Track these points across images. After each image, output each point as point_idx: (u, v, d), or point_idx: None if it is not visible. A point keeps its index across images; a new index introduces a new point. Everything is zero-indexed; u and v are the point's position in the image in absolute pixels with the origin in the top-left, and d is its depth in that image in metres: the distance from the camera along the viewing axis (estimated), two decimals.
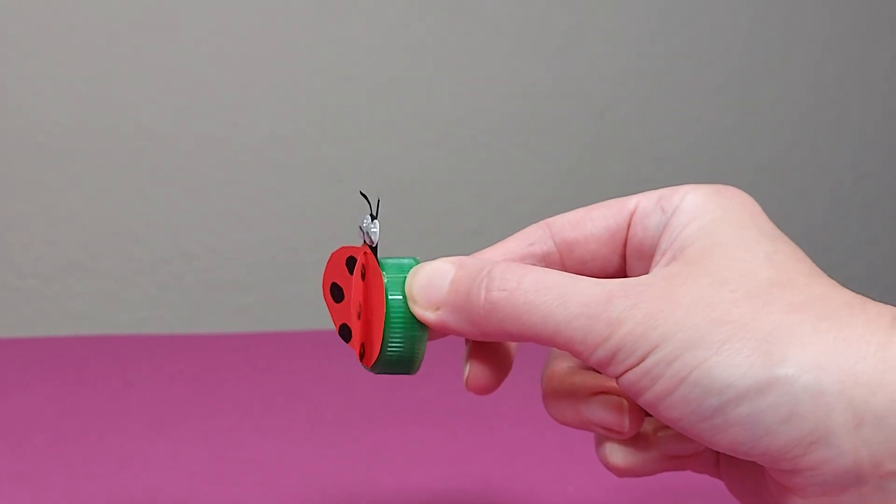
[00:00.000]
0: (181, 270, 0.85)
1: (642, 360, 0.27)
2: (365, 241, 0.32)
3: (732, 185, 0.84)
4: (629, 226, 0.33)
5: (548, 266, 0.33)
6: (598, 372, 0.32)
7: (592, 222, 0.33)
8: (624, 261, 0.34)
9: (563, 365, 0.33)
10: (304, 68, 0.86)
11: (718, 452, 0.32)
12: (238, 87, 0.85)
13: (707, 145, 0.97)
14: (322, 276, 0.33)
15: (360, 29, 0.86)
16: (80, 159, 0.83)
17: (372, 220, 0.32)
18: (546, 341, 0.29)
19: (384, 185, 0.89)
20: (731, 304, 0.27)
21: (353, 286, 0.32)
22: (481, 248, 0.34)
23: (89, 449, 0.49)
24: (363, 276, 0.32)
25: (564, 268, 0.33)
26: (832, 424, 0.26)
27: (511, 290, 0.29)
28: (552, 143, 0.93)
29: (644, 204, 0.32)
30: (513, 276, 0.29)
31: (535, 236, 0.33)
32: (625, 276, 0.34)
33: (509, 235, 0.35)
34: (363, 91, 0.87)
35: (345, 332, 0.33)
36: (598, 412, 0.31)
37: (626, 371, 0.28)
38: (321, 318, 0.88)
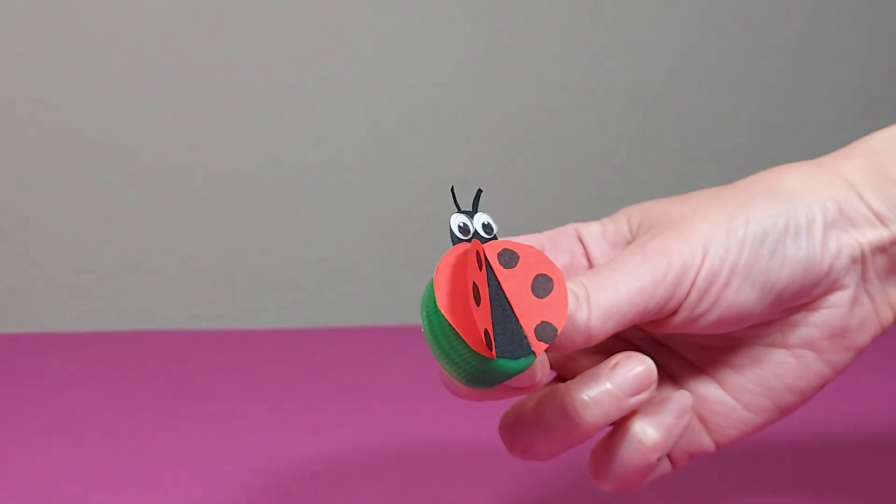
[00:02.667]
0: (232, 268, 0.86)
1: (705, 252, 0.32)
2: (484, 235, 0.31)
3: None
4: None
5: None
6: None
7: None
8: None
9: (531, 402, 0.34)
10: (351, 69, 0.86)
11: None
12: (288, 89, 0.86)
13: (760, 140, 0.96)
14: (439, 298, 0.30)
15: (405, 28, 0.86)
16: (135, 159, 0.84)
17: (473, 213, 0.32)
18: (633, 312, 0.32)
19: (430, 185, 0.89)
20: (717, 196, 0.34)
21: (484, 283, 0.30)
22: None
23: (143, 443, 0.50)
24: (510, 263, 0.31)
25: None
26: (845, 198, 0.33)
27: (584, 284, 0.32)
28: (602, 140, 0.92)
29: (545, 240, 0.37)
30: (577, 279, 0.33)
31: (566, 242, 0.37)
32: None
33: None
34: (410, 90, 0.88)
35: (487, 340, 0.29)
36: (630, 366, 0.33)
37: (699, 271, 0.32)
38: (371, 315, 0.88)
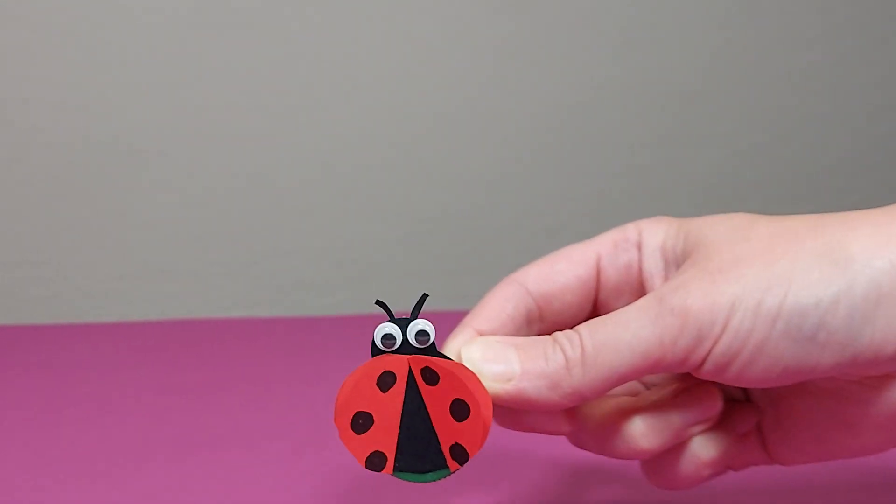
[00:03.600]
0: (273, 268, 0.87)
1: (726, 324, 0.28)
2: (415, 346, 0.31)
3: (824, 177, 0.89)
4: (598, 272, 0.35)
5: (529, 322, 0.35)
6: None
7: (562, 275, 0.35)
8: (594, 308, 0.35)
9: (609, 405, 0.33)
10: (378, 69, 0.86)
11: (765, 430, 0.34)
12: (326, 88, 0.86)
13: (795, 135, 0.94)
14: (337, 409, 0.31)
15: (426, 25, 0.86)
16: (173, 161, 0.84)
17: (412, 319, 0.32)
18: (634, 373, 0.30)
19: (456, 184, 0.88)
20: (767, 249, 0.29)
21: (390, 404, 0.31)
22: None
23: (190, 420, 0.51)
24: (432, 381, 0.31)
25: (544, 321, 0.35)
26: None
27: (580, 345, 0.30)
28: (627, 137, 0.91)
29: (604, 250, 0.34)
30: (572, 334, 0.31)
31: (515, 297, 0.34)
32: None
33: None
34: (433, 89, 0.87)
35: (376, 461, 0.32)
36: (692, 406, 0.32)
37: (716, 343, 0.29)
38: (405, 309, 0.88)
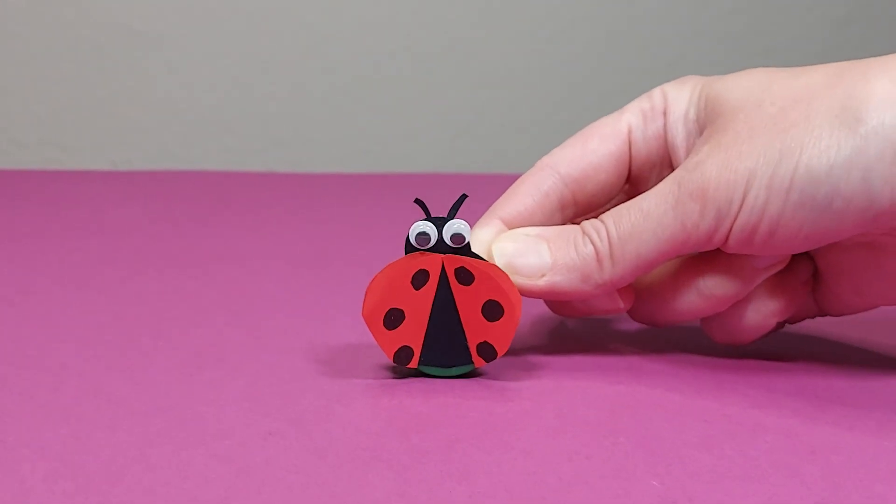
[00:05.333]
0: (270, 160, 0.87)
1: (743, 200, 0.29)
2: (450, 245, 0.32)
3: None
4: (630, 144, 0.34)
5: (563, 207, 0.35)
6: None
7: (594, 154, 0.34)
8: (627, 184, 0.36)
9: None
10: None
11: (814, 277, 0.34)
12: None
13: (817, 34, 0.94)
14: (370, 306, 0.33)
15: None
16: (174, 45, 0.84)
17: (448, 219, 0.32)
18: (661, 258, 0.31)
19: (491, 78, 0.89)
20: (781, 114, 0.29)
21: (421, 301, 0.33)
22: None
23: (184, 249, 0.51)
24: (466, 281, 0.32)
25: (577, 205, 0.35)
26: None
27: (608, 236, 0.31)
28: (651, 33, 0.92)
29: (634, 121, 0.34)
30: (598, 224, 0.32)
31: (546, 183, 0.34)
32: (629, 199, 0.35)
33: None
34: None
35: (404, 356, 0.33)
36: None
37: (735, 220, 0.29)
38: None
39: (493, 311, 0.32)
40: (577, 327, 0.41)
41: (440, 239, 0.32)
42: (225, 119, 0.89)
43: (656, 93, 0.34)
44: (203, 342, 0.37)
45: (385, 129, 0.92)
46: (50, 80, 0.86)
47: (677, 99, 0.33)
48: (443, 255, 0.32)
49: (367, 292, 0.33)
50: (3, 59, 0.85)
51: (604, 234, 0.31)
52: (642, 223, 0.31)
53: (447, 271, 0.32)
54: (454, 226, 0.32)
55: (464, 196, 0.33)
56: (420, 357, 0.33)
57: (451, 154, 0.92)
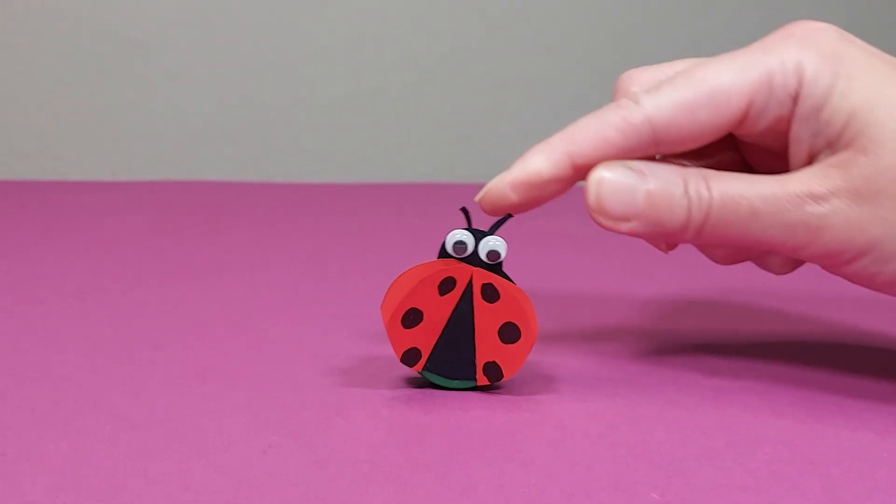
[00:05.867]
0: (270, 171, 0.87)
1: (852, 261, 0.29)
2: (484, 260, 0.32)
3: None
4: (744, 118, 0.31)
5: (641, 153, 0.31)
6: None
7: (703, 125, 0.30)
8: (737, 153, 0.34)
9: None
10: None
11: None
12: None
13: None
14: (392, 303, 0.32)
15: None
16: (173, 54, 0.84)
17: (487, 234, 0.32)
18: (749, 247, 0.31)
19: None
20: None
21: (442, 307, 0.32)
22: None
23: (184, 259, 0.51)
24: (490, 299, 0.32)
25: (660, 149, 0.32)
26: None
27: (706, 210, 0.30)
28: (650, 39, 0.92)
29: (758, 96, 0.30)
30: (704, 193, 0.30)
31: (635, 135, 0.31)
32: (739, 165, 0.34)
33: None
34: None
35: (411, 357, 0.33)
36: None
37: (840, 266, 0.30)
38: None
39: (510, 333, 0.32)
40: (577, 338, 0.41)
41: (475, 251, 0.32)
42: (224, 129, 0.89)
43: (791, 63, 0.30)
44: (203, 354, 0.37)
45: (384, 138, 0.92)
46: (49, 90, 0.86)
47: (814, 85, 0.30)
48: (474, 268, 0.32)
49: (391, 286, 0.33)
50: (2, 70, 0.85)
51: (704, 203, 0.30)
52: (747, 218, 0.30)
53: (474, 285, 0.32)
54: (492, 242, 0.32)
55: (509, 216, 0.33)
56: (426, 362, 0.33)
57: (449, 164, 0.92)
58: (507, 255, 0.32)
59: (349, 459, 0.28)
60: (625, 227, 0.31)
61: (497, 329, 0.32)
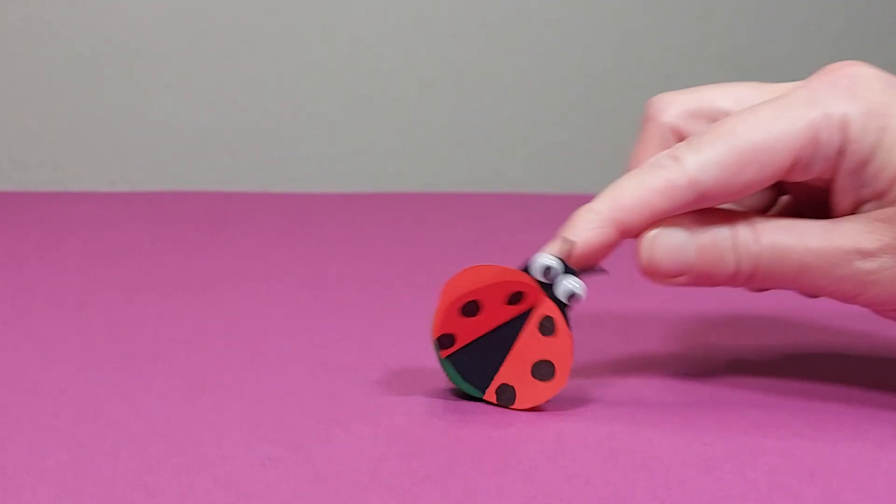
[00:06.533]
0: (268, 180, 0.87)
1: None
2: (558, 298, 0.32)
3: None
4: (789, 174, 0.31)
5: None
6: None
7: (743, 183, 0.30)
8: (777, 189, 0.36)
9: None
10: None
11: None
12: None
13: (812, 49, 0.95)
14: (460, 287, 0.32)
15: None
16: (170, 63, 0.84)
17: (577, 274, 0.32)
18: (797, 291, 0.32)
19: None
20: None
21: (497, 315, 0.32)
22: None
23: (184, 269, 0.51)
24: (545, 332, 0.32)
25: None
26: None
27: (755, 263, 0.31)
28: (648, 48, 0.92)
29: (803, 152, 0.30)
30: (754, 246, 0.31)
31: (678, 197, 0.31)
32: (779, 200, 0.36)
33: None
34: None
35: (446, 341, 0.33)
36: None
37: (889, 313, 0.31)
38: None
39: (544, 370, 0.32)
40: (575, 348, 0.41)
41: (555, 283, 0.32)
42: (223, 139, 0.89)
43: (835, 118, 0.30)
44: (202, 366, 0.37)
45: (383, 148, 0.92)
46: (48, 100, 0.86)
47: (860, 140, 0.30)
48: (546, 296, 0.32)
49: (468, 271, 0.32)
50: (1, 79, 0.85)
51: (754, 256, 0.31)
52: (796, 270, 0.30)
53: (536, 311, 0.32)
54: (575, 283, 0.32)
55: (603, 271, 0.33)
56: (454, 352, 0.33)
57: (449, 173, 0.93)
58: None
59: (349, 472, 0.28)
60: (676, 281, 0.31)
61: (533, 361, 0.32)
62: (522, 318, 0.32)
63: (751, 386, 0.36)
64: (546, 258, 0.32)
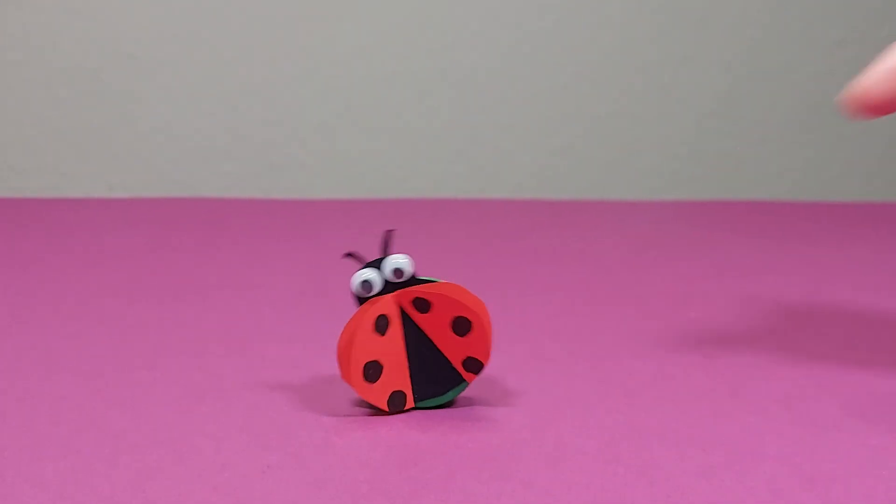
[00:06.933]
0: (267, 186, 0.87)
1: None
2: (395, 281, 0.33)
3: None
4: None
5: None
6: None
7: None
8: None
9: None
10: None
11: None
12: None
13: (810, 57, 0.95)
14: (344, 368, 0.33)
15: None
16: (169, 70, 0.84)
17: (383, 258, 0.33)
18: None
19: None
20: None
21: (392, 344, 0.33)
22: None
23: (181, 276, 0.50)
24: (424, 309, 0.33)
25: None
26: None
27: None
28: (646, 55, 0.92)
29: None
30: None
31: None
32: None
33: None
34: None
35: (398, 400, 0.33)
36: None
37: None
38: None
39: (461, 326, 0.33)
40: (574, 354, 0.41)
41: (384, 279, 0.33)
42: (222, 145, 0.89)
43: None
44: (201, 374, 0.37)
45: (382, 154, 0.92)
46: (47, 107, 0.86)
47: None
48: (393, 294, 0.33)
49: (338, 358, 0.33)
50: (1, 86, 0.85)
51: None
52: None
53: (405, 307, 0.33)
54: (391, 262, 0.33)
55: (389, 231, 0.33)
56: (414, 395, 0.33)
57: (449, 179, 0.93)
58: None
59: (347, 480, 0.28)
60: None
61: (450, 329, 0.33)
62: (407, 320, 0.33)
63: (748, 393, 0.36)
64: (356, 278, 0.32)
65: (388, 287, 0.33)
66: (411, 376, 0.33)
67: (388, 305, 0.32)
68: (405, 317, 0.33)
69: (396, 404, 0.33)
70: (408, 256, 0.33)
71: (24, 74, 0.86)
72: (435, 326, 0.33)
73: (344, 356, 0.32)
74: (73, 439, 0.31)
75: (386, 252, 0.33)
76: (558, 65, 0.94)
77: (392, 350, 0.33)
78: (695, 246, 0.65)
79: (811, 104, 0.96)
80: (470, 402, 0.34)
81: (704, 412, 0.34)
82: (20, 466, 0.28)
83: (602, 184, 0.94)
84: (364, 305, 0.32)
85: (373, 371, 0.33)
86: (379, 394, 0.33)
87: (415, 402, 0.33)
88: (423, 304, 0.33)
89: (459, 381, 0.33)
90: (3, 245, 0.61)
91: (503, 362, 0.39)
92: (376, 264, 0.33)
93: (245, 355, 0.40)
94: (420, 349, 0.33)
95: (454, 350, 0.33)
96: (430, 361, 0.33)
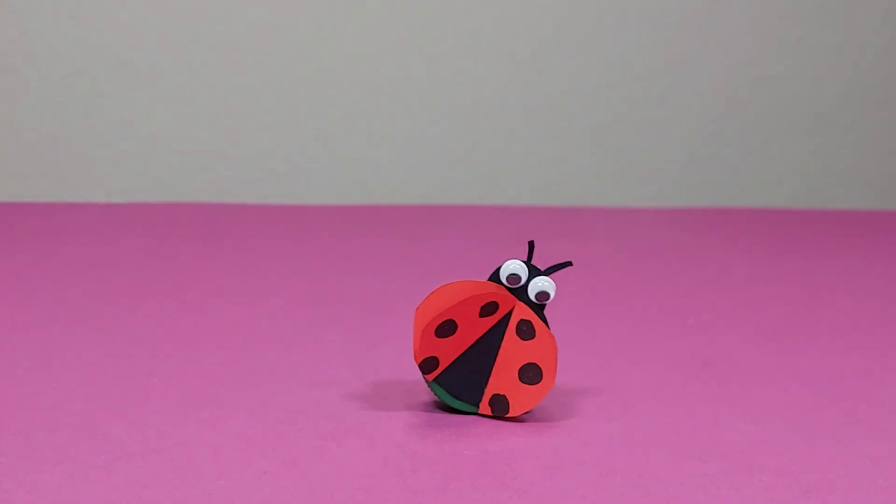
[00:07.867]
0: (265, 192, 0.87)
1: None
2: (531, 299, 0.32)
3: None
4: None
5: None
6: None
7: None
8: None
9: None
10: None
11: None
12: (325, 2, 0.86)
13: (806, 66, 0.95)
14: (431, 310, 0.32)
15: None
16: (167, 75, 0.84)
17: (543, 273, 0.32)
18: None
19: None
20: None
21: (476, 328, 0.33)
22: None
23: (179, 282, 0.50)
24: (525, 336, 0.33)
25: None
26: None
27: None
28: (644, 63, 0.92)
29: None
30: None
31: None
32: None
33: None
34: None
35: (429, 365, 0.33)
36: None
37: None
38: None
39: (531, 374, 0.32)
40: (572, 363, 0.41)
41: (525, 286, 0.32)
42: (220, 151, 0.89)
43: None
44: (198, 380, 0.37)
45: (380, 160, 0.92)
46: (46, 113, 0.86)
47: None
48: (518, 301, 0.32)
49: (434, 293, 0.32)
50: (0, 93, 0.85)
51: None
52: None
53: (513, 317, 0.33)
54: (543, 283, 0.32)
55: (569, 263, 0.33)
56: (440, 374, 0.33)
57: (447, 186, 0.93)
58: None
59: (344, 487, 0.28)
60: None
61: (519, 366, 0.32)
62: (500, 327, 0.33)
63: (746, 402, 0.36)
64: (511, 265, 0.32)
65: (522, 294, 0.32)
66: (455, 361, 0.33)
67: (506, 303, 0.32)
68: (503, 323, 0.32)
69: (426, 368, 0.33)
70: (555, 288, 0.33)
71: (23, 81, 0.86)
72: (512, 354, 0.32)
73: (441, 298, 0.32)
74: (70, 446, 0.30)
75: (547, 272, 0.32)
76: (558, 73, 0.94)
77: (470, 332, 0.32)
78: (694, 253, 0.65)
79: (810, 113, 0.96)
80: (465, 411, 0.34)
81: (701, 421, 0.34)
82: (17, 473, 0.28)
83: (601, 191, 0.94)
84: (494, 284, 0.32)
85: (447, 330, 0.32)
86: (427, 348, 0.32)
87: (435, 379, 0.33)
88: (527, 331, 0.32)
89: (474, 404, 0.33)
90: (2, 250, 0.61)
91: None
92: (532, 270, 0.32)
93: (242, 362, 0.40)
94: (482, 354, 0.33)
95: (501, 383, 0.33)
96: (476, 369, 0.33)
